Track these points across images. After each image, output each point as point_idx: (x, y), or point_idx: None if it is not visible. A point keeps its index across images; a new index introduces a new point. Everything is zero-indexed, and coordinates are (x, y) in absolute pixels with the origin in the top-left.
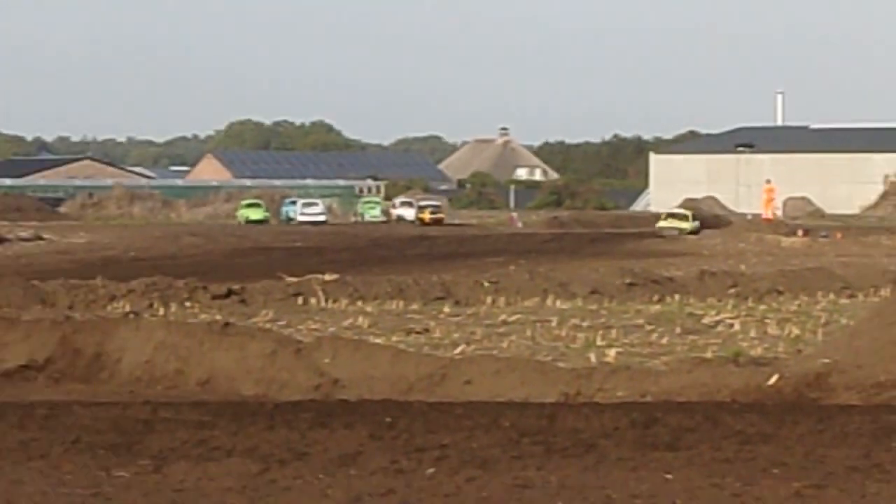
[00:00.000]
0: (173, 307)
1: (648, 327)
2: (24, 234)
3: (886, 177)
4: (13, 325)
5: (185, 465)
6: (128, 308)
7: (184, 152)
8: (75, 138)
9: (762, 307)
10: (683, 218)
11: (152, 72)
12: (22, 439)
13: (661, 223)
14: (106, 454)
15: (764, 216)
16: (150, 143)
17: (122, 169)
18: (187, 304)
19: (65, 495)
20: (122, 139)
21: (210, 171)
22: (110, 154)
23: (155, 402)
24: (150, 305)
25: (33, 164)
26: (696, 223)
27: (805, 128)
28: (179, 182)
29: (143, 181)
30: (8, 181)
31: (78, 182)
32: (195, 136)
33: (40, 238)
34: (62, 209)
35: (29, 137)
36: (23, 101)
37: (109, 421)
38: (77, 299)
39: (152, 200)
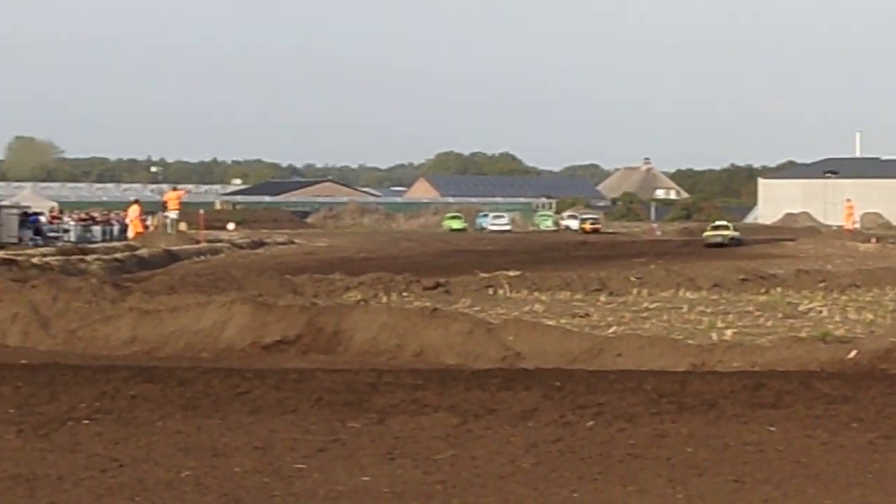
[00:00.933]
0: (394, 296)
1: (757, 313)
2: (280, 239)
3: None
4: (271, 310)
5: (402, 419)
6: (359, 296)
7: (402, 176)
8: (319, 165)
9: (844, 297)
10: (726, 228)
11: (380, 111)
12: (277, 397)
13: (708, 233)
14: (342, 409)
15: (846, 227)
16: (377, 168)
17: (355, 189)
18: (404, 293)
19: (310, 441)
20: (354, 166)
21: (422, 191)
22: (346, 177)
23: (379, 370)
24: (376, 295)
25: (287, 185)
26: (737, 233)
27: (877, 159)
28: (399, 199)
29: (371, 199)
30: (268, 198)
31: (321, 199)
32: (411, 164)
33: (292, 242)
34: (309, 220)
35: (284, 164)
36: (280, 136)
37: (344, 384)
38: (320, 289)
39: (378, 213)
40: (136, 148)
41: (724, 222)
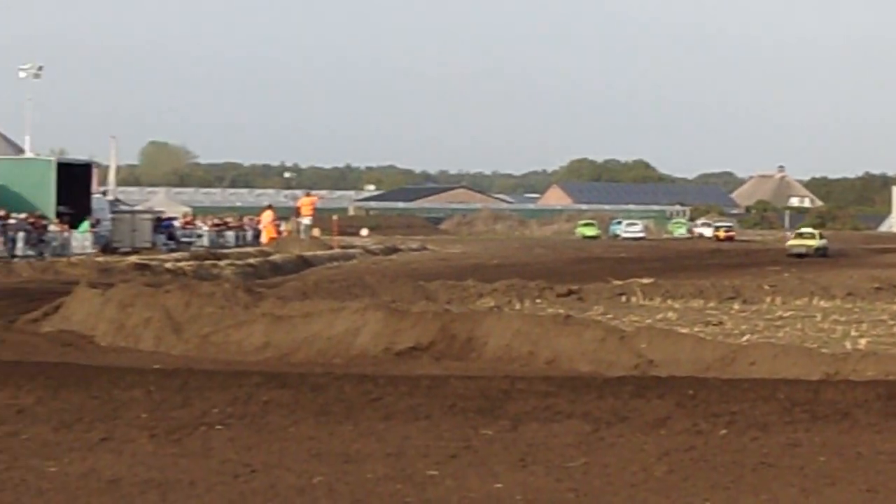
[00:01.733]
0: (527, 303)
1: (891, 322)
2: (413, 246)
3: None
4: (405, 316)
5: (535, 426)
6: (492, 303)
7: (535, 183)
8: (453, 171)
9: None
10: (811, 237)
11: (514, 118)
12: (411, 404)
13: (792, 242)
14: (474, 416)
15: None
16: (510, 175)
17: (488, 195)
18: (537, 300)
19: (443, 447)
20: (488, 172)
21: (555, 198)
22: (479, 184)
23: (512, 377)
24: (509, 301)
25: (421, 192)
26: (824, 241)
27: None
28: (532, 206)
29: (504, 205)
30: (401, 204)
31: (454, 205)
32: (544, 171)
33: (426, 248)
34: (442, 226)
35: (417, 170)
36: (414, 142)
37: (477, 390)
38: (453, 296)
39: (511, 220)
40: (270, 153)
41: (810, 229)
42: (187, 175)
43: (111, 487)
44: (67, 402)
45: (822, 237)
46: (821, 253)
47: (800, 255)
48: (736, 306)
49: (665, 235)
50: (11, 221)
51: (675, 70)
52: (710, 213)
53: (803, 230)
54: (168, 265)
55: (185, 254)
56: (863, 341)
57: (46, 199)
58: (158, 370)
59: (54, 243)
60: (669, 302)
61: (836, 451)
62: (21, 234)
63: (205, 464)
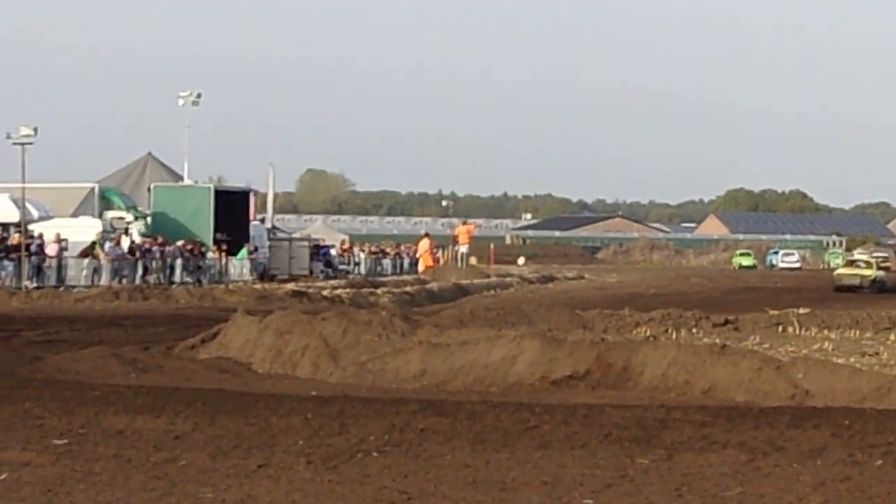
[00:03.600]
0: (683, 332)
1: None
2: (569, 274)
3: None
4: (561, 345)
5: (690, 455)
6: (648, 332)
7: (691, 212)
8: (609, 200)
9: None
10: (867, 266)
11: (670, 147)
12: (566, 432)
13: (842, 271)
14: (630, 445)
15: None
16: (667, 205)
17: (644, 225)
18: (694, 330)
19: (598, 476)
20: (644, 202)
21: (712, 227)
22: (636, 213)
23: (668, 406)
24: (666, 331)
25: (577, 220)
26: (882, 272)
27: None
28: (688, 236)
29: (661, 235)
30: (558, 233)
31: (611, 234)
32: (700, 200)
33: (582, 277)
34: (599, 255)
35: (574, 199)
36: (570, 171)
37: (633, 420)
38: (609, 325)
39: (667, 250)
40: (427, 182)
41: (864, 256)
42: (345, 203)
43: None
44: (225, 429)
45: (881, 267)
46: (878, 286)
47: (851, 289)
48: (892, 337)
49: (822, 265)
50: (169, 248)
51: (833, 98)
52: (867, 244)
53: (857, 256)
54: (325, 293)
55: (343, 281)
56: None
57: (205, 226)
58: (315, 397)
59: (212, 270)
60: (826, 332)
61: None
62: (179, 261)
63: (361, 491)
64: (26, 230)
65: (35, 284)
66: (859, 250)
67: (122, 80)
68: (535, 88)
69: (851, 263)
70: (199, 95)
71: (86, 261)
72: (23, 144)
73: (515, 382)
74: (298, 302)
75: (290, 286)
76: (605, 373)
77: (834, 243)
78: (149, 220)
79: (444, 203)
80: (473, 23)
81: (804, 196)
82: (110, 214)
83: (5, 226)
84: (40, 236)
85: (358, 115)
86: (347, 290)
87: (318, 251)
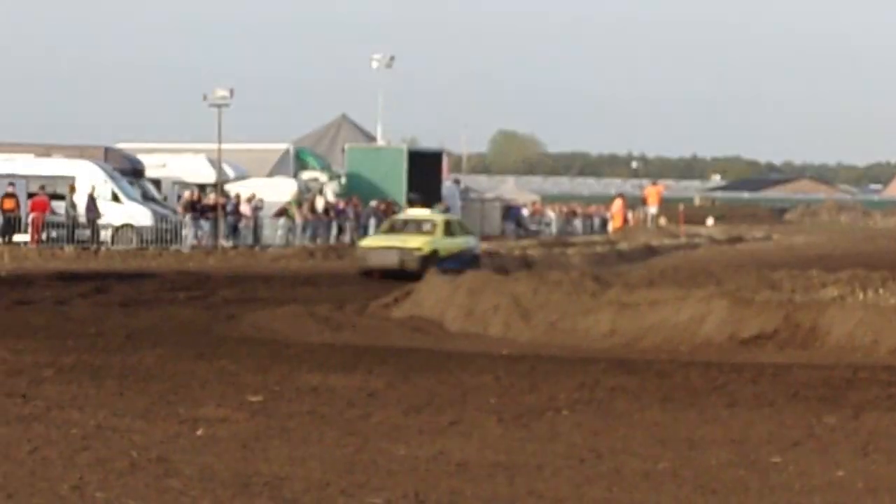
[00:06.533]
0: (870, 293)
1: None
2: (757, 235)
3: None
4: (749, 305)
5: (876, 414)
6: (835, 293)
7: (879, 174)
8: (797, 162)
9: None
10: None
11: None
12: (754, 391)
13: None
14: (817, 404)
15: None
16: (854, 167)
17: (832, 186)
18: (880, 290)
19: (786, 434)
20: (832, 163)
21: None
22: (823, 175)
23: (855, 366)
24: (852, 291)
25: (765, 182)
26: None
27: None
28: (876, 197)
29: (848, 196)
30: (746, 194)
31: (798, 196)
32: (888, 162)
33: (770, 238)
34: (786, 216)
35: (762, 161)
36: (759, 133)
37: (820, 379)
38: (797, 285)
39: (855, 211)
40: (618, 143)
41: None
42: (536, 164)
43: (460, 470)
44: (417, 387)
45: None
46: None
47: None
48: None
49: None
50: (363, 209)
51: None
52: None
53: None
54: (516, 252)
55: (534, 241)
56: None
57: (398, 186)
58: (506, 356)
59: None
60: None
61: None
62: (372, 221)
63: (551, 448)
64: (223, 190)
65: (231, 243)
66: None
67: (316, 44)
68: (748, 44)
69: None
70: (392, 58)
71: (281, 220)
72: (219, 106)
73: (704, 342)
74: (490, 261)
75: (482, 246)
76: (793, 333)
77: None
78: (343, 180)
79: (633, 164)
80: None
81: None
82: (305, 175)
83: (202, 186)
84: (236, 196)
85: (549, 75)
86: (538, 249)
87: (510, 211)
